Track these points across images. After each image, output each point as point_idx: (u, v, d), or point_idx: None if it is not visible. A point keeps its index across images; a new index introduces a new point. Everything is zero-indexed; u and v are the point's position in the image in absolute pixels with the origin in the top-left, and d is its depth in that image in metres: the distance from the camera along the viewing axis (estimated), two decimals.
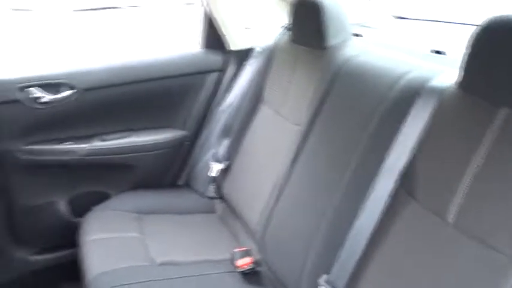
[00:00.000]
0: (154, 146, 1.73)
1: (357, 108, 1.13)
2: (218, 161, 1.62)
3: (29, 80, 1.51)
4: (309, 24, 1.34)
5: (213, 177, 1.61)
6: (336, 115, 1.20)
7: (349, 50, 1.28)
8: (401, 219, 0.91)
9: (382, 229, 0.93)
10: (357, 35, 1.42)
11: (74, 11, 2.59)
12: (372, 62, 1.19)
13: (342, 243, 0.99)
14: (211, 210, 1.65)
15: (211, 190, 1.64)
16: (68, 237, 1.56)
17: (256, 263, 1.31)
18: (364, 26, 1.64)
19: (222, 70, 1.79)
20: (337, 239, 1.01)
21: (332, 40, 1.30)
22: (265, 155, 1.43)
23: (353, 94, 1.17)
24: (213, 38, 1.77)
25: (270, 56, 1.54)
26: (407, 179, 0.92)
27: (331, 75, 1.24)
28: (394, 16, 1.84)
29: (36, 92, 1.51)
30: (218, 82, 1.79)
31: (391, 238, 0.91)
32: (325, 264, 1.02)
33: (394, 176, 0.93)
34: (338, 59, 1.25)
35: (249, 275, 1.30)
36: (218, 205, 1.65)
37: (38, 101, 1.52)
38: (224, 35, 1.76)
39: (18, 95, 1.50)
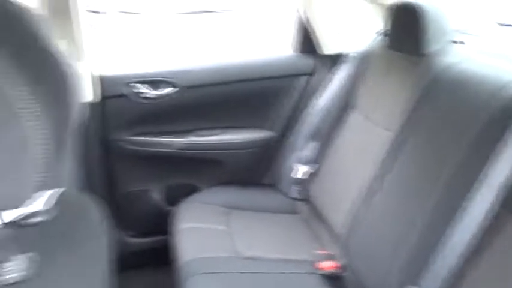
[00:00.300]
0: (244, 145, 1.79)
1: (455, 117, 1.09)
2: (303, 163, 1.64)
3: (135, 76, 1.64)
4: (407, 29, 1.31)
5: (298, 178, 1.64)
6: (431, 122, 1.16)
7: (449, 57, 1.24)
8: (502, 239, 0.85)
9: (479, 248, 0.88)
10: (457, 42, 1.37)
11: (177, 14, 2.77)
12: (475, 70, 1.14)
13: (431, 255, 0.96)
14: (294, 211, 1.67)
15: (295, 191, 1.67)
16: (160, 224, 1.67)
17: (339, 267, 1.31)
18: (466, 33, 1.57)
19: (312, 74, 1.80)
20: (426, 250, 0.99)
21: (431, 46, 1.26)
22: (354, 160, 1.43)
23: (452, 102, 1.12)
24: (305, 42, 1.79)
25: (363, 61, 1.53)
26: (509, 196, 0.87)
27: (428, 81, 1.21)
28: (498, 23, 1.73)
29: (141, 88, 1.64)
30: (308, 85, 1.80)
31: (488, 258, 0.86)
32: (412, 273, 1.00)
33: (493, 192, 0.88)
34: (437, 66, 1.22)
35: (330, 278, 1.31)
36: (301, 207, 1.67)
37: (142, 96, 1.64)
38: (317, 39, 1.77)
39: (125, 90, 1.63)
